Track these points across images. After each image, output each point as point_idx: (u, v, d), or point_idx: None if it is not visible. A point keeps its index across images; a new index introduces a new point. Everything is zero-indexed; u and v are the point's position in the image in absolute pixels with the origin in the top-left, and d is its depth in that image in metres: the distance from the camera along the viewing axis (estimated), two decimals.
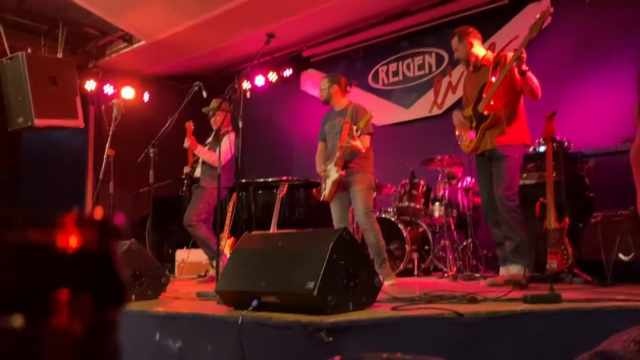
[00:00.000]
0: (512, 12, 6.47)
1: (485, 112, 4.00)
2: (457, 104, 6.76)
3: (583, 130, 5.30)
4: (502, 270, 4.10)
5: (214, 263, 5.32)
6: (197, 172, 5.54)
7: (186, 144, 5.47)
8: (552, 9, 3.83)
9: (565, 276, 3.90)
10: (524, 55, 3.83)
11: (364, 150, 4.53)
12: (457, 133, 4.35)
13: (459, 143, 4.35)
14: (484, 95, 4.03)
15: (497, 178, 4.01)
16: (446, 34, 7.02)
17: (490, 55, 4.24)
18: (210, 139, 5.73)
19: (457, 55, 4.33)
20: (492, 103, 3.98)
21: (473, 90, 4.19)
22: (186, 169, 5.58)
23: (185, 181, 5.58)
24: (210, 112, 5.53)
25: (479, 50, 4.24)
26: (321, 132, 4.96)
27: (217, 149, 5.33)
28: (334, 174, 4.61)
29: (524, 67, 3.83)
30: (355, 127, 4.48)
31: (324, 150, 4.90)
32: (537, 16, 3.82)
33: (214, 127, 5.64)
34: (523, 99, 4.11)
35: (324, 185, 4.76)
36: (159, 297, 3.64)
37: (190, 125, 5.51)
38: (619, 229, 3.86)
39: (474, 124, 4.12)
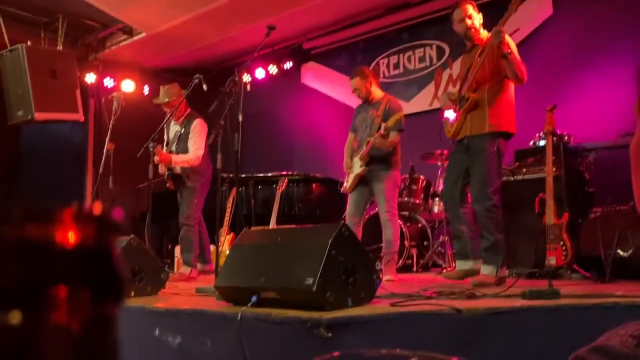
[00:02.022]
0: None
1: (466, 95, 3.82)
2: None
3: (583, 123, 5.29)
4: (459, 264, 3.97)
5: (185, 270, 5.28)
6: (178, 169, 5.35)
7: (157, 160, 5.13)
8: None
9: (564, 272, 3.90)
10: (504, 34, 3.55)
11: (390, 148, 4.48)
12: (444, 117, 4.13)
13: (444, 127, 4.13)
14: (468, 77, 3.86)
15: (474, 175, 3.79)
16: (447, 26, 7.02)
17: (486, 35, 3.96)
18: (172, 130, 5.49)
19: (458, 28, 4.00)
20: (474, 85, 3.80)
21: (463, 72, 4.02)
22: (162, 169, 5.36)
23: (167, 177, 5.45)
24: (166, 100, 5.30)
25: (480, 28, 3.98)
26: (352, 124, 4.89)
27: (192, 142, 5.22)
28: (357, 167, 4.60)
29: (506, 49, 3.56)
30: (384, 125, 4.40)
31: (353, 142, 4.84)
32: None
33: (168, 112, 5.30)
34: (513, 85, 3.86)
35: (346, 177, 4.75)
36: (158, 293, 3.65)
37: (159, 148, 5.16)
38: (618, 225, 3.85)
39: (458, 107, 3.92)
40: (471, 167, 3.83)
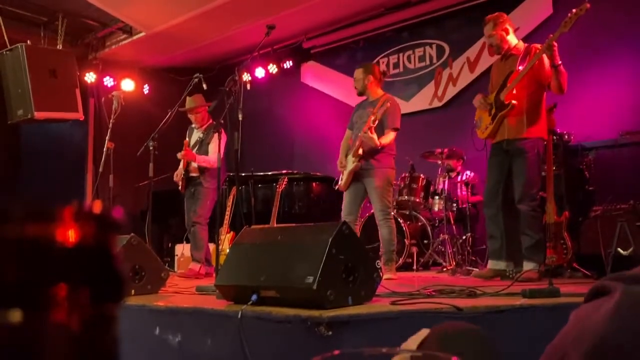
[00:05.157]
0: (512, 4, 6.44)
1: (506, 101, 3.97)
2: (458, 97, 6.75)
3: (583, 123, 5.29)
4: (491, 264, 4.12)
5: (195, 266, 5.36)
6: (193, 172, 5.52)
7: (181, 155, 5.44)
8: (588, 5, 3.73)
9: (564, 270, 3.91)
10: (555, 47, 3.79)
11: (378, 144, 4.42)
12: (477, 116, 4.30)
13: (476, 127, 4.29)
14: (508, 84, 4.00)
15: (517, 177, 3.98)
16: (447, 26, 7.06)
17: (522, 45, 4.20)
18: (194, 136, 5.70)
19: (490, 42, 4.26)
20: (514, 92, 3.96)
21: (499, 78, 4.16)
22: (178, 177, 5.54)
23: (182, 179, 5.55)
24: (192, 106, 5.56)
25: (512, 38, 4.21)
26: (350, 121, 4.88)
27: (212, 146, 5.36)
28: (350, 164, 4.57)
29: (558, 60, 3.80)
30: (372, 118, 4.40)
31: (349, 140, 4.84)
32: (573, 11, 3.74)
33: (196, 126, 5.68)
34: (545, 94, 4.07)
35: (342, 175, 4.74)
36: (159, 291, 3.65)
37: (187, 142, 5.58)
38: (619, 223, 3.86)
39: (493, 111, 4.09)
40: (514, 169, 4.01)
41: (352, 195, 4.65)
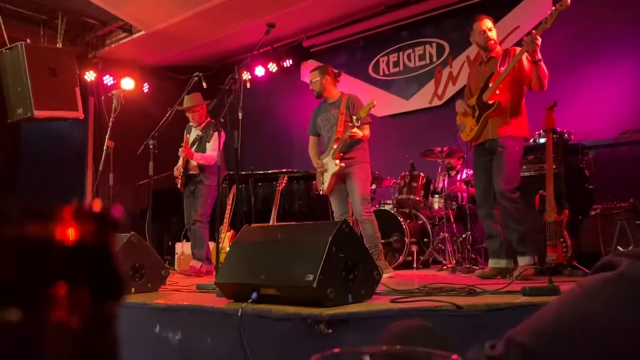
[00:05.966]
0: (513, 2, 6.44)
1: (490, 101, 3.99)
2: (458, 95, 6.74)
3: (583, 121, 5.29)
4: (492, 262, 4.14)
5: (196, 264, 5.37)
6: (194, 170, 5.52)
7: (180, 151, 5.44)
8: (569, 1, 3.72)
9: (564, 269, 3.91)
10: (539, 42, 3.78)
11: (362, 136, 4.51)
12: (458, 121, 4.33)
13: (459, 132, 4.33)
14: (490, 85, 4.02)
15: (497, 171, 4.00)
16: (447, 24, 7.05)
17: (500, 49, 4.23)
18: (193, 134, 5.68)
19: (484, 38, 4.18)
20: (497, 92, 3.98)
21: (479, 81, 4.17)
22: (178, 172, 5.54)
23: (179, 179, 5.53)
24: (190, 105, 5.53)
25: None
26: (312, 126, 4.92)
27: (211, 145, 5.36)
28: (332, 166, 4.59)
29: (538, 55, 3.81)
30: (355, 117, 4.45)
31: (317, 144, 4.88)
32: (554, 7, 3.75)
33: (194, 124, 5.63)
34: (525, 94, 4.10)
35: (321, 178, 4.75)
36: (159, 289, 3.66)
37: (187, 138, 5.58)
38: (618, 221, 3.86)
39: (476, 114, 4.10)
40: (494, 164, 4.04)
41: (338, 196, 4.70)
